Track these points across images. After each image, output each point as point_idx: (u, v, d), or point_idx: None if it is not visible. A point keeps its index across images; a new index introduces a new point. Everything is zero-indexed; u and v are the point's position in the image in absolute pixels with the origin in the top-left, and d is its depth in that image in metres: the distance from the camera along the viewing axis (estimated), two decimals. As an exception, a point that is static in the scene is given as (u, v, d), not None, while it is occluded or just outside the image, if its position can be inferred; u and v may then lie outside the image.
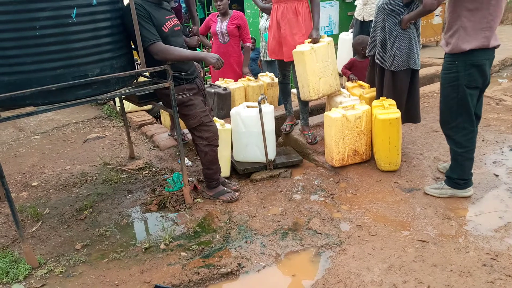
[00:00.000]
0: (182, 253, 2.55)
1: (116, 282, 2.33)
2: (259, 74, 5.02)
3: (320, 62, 3.48)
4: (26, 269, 2.42)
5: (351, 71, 4.47)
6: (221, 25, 4.77)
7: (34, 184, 3.58)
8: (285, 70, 3.89)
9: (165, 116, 4.82)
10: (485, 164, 3.34)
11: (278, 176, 3.50)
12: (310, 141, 3.82)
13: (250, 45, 4.97)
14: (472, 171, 2.87)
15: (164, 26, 2.70)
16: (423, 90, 4.94)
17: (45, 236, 2.81)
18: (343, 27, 7.59)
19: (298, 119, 4.10)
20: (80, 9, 2.31)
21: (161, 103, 3.07)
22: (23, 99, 2.30)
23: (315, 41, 3.46)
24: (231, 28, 4.74)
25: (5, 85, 2.26)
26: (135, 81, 3.02)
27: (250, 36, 5.03)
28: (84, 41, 2.37)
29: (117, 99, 4.86)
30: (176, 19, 2.84)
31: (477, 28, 2.48)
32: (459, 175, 2.85)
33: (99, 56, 2.46)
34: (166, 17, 2.73)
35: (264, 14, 5.74)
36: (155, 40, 2.62)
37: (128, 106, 4.80)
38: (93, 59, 2.43)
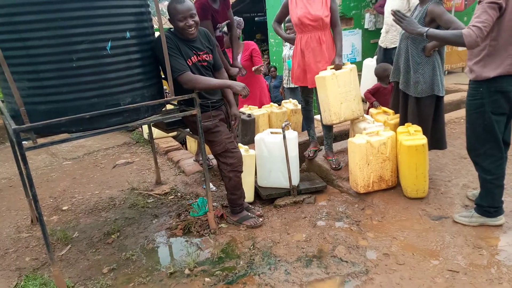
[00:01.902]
0: (206, 278, 2.56)
1: (142, 306, 2.36)
2: (283, 101, 5.10)
3: (342, 87, 3.55)
4: (55, 292, 2.48)
5: (375, 96, 4.47)
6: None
7: (64, 208, 3.69)
8: (308, 97, 3.95)
9: (190, 142, 4.92)
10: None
11: (302, 202, 3.49)
12: (334, 166, 3.82)
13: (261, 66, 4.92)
14: (503, 198, 2.79)
15: (189, 60, 2.81)
16: (449, 116, 4.88)
17: (73, 260, 2.88)
18: (366, 55, 7.67)
19: (322, 145, 4.11)
20: (115, 42, 2.45)
21: (188, 129, 3.16)
22: (58, 126, 2.41)
23: (337, 67, 3.52)
24: (245, 62, 4.84)
25: (42, 113, 2.37)
26: (163, 109, 3.13)
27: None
28: (118, 71, 2.50)
29: (145, 126, 5.02)
30: (206, 55, 2.91)
31: (502, 55, 2.46)
32: (489, 203, 2.77)
33: (131, 86, 2.58)
34: (193, 52, 2.84)
35: (286, 43, 5.88)
36: (184, 71, 2.73)
37: (154, 131, 4.94)
38: (125, 89, 2.55)
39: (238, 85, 2.88)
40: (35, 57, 2.30)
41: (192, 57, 2.83)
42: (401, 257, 2.61)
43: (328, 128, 3.84)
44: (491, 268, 2.42)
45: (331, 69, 3.53)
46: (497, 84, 2.50)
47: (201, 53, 2.87)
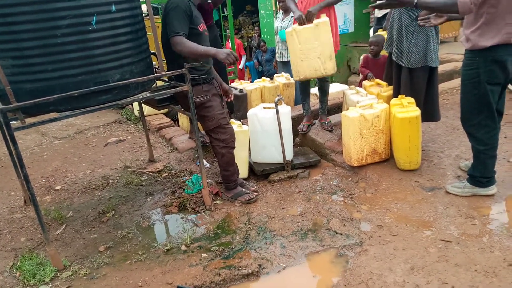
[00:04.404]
0: (203, 254, 2.58)
1: (139, 283, 2.37)
2: (275, 75, 5.03)
3: (303, 44, 3.44)
4: (52, 271, 2.48)
5: (369, 68, 4.41)
6: None
7: (57, 187, 3.66)
8: None
9: (182, 118, 4.87)
10: (508, 161, 3.26)
11: (296, 177, 3.49)
12: (326, 127, 3.93)
13: None
14: (495, 168, 2.81)
15: (200, 26, 2.85)
16: (442, 86, 4.86)
17: (69, 239, 2.88)
18: (359, 25, 7.54)
19: (315, 119, 4.09)
20: (100, 16, 2.36)
21: (179, 106, 3.11)
22: (46, 105, 2.35)
23: (308, 15, 3.39)
24: None
25: (29, 92, 2.32)
26: (153, 85, 3.06)
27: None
28: (104, 47, 2.42)
29: (135, 103, 4.93)
30: (205, 25, 2.97)
31: (500, 24, 2.40)
32: (481, 173, 2.79)
33: (119, 62, 2.51)
34: (201, 18, 2.89)
35: (278, 15, 5.75)
36: (181, 34, 2.68)
37: (145, 109, 4.87)
38: (113, 65, 2.48)
39: (221, 52, 2.74)
40: (18, 34, 2.22)
41: (201, 24, 2.86)
42: (394, 228, 2.65)
43: (323, 92, 3.86)
44: (483, 237, 2.46)
45: (299, 20, 3.41)
46: (494, 54, 2.45)
47: (203, 22, 2.92)
